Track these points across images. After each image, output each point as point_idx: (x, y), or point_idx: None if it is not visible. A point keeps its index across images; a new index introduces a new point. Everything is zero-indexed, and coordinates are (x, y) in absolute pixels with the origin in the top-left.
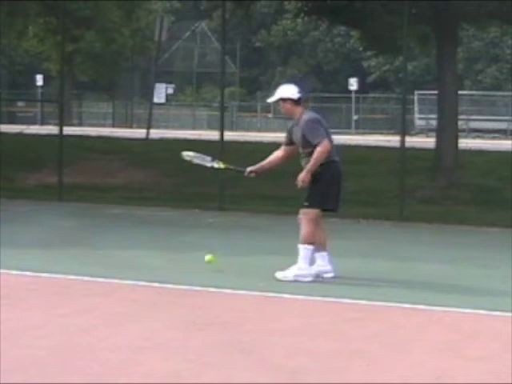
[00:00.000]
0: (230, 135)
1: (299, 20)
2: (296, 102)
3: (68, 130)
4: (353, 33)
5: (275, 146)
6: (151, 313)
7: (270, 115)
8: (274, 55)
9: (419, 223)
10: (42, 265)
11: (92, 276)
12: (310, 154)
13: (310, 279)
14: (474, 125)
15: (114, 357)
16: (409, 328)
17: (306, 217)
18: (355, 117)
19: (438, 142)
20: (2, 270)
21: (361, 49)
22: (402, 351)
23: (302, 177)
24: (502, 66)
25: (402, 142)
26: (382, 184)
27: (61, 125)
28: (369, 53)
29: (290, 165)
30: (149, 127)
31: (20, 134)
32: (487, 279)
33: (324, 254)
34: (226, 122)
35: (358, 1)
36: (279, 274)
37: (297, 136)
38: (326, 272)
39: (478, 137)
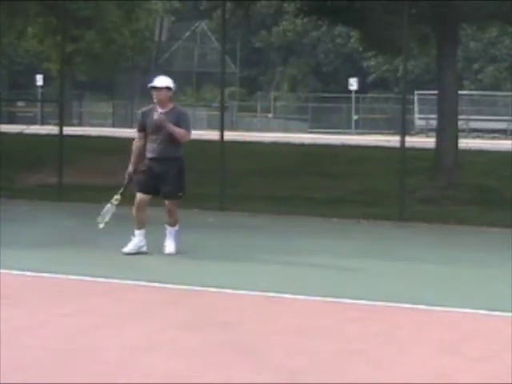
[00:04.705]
0: (229, 135)
1: (298, 21)
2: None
3: (68, 130)
4: (352, 33)
5: (275, 145)
6: (151, 313)
7: (269, 115)
8: (274, 55)
9: (419, 223)
10: (42, 265)
11: (92, 276)
12: (169, 137)
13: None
14: (474, 125)
15: (114, 357)
16: (409, 328)
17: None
18: (355, 117)
19: (438, 142)
20: (2, 270)
21: (361, 49)
22: (402, 351)
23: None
24: (501, 66)
25: (402, 142)
26: (382, 184)
27: (61, 125)
28: (369, 53)
29: (291, 165)
30: None
31: (20, 134)
32: (487, 279)
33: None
34: (226, 121)
35: (358, 1)
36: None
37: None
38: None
39: (478, 137)
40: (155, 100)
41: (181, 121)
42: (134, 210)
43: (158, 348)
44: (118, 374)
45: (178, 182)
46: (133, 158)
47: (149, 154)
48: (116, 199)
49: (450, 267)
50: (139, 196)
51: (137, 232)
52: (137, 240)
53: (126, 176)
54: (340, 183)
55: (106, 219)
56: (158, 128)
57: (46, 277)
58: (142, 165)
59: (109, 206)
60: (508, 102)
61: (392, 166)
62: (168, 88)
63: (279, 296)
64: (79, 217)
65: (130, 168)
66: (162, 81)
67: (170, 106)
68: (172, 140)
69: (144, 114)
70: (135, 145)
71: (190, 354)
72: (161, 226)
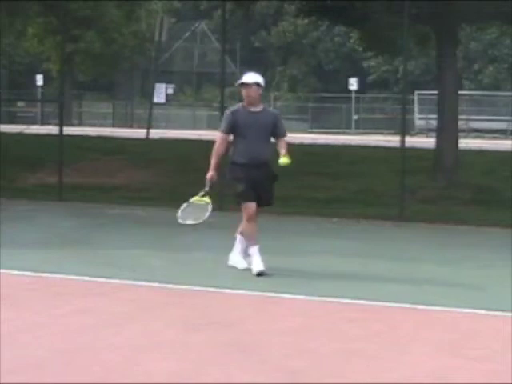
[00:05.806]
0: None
1: (299, 21)
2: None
3: (68, 130)
4: (352, 33)
5: (274, 145)
6: (151, 313)
7: None
8: (273, 55)
9: (419, 223)
10: (41, 265)
11: (92, 276)
12: (266, 138)
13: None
14: (474, 125)
15: (114, 357)
16: (409, 328)
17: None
18: (355, 117)
19: (438, 142)
20: (2, 270)
21: (361, 49)
22: (402, 351)
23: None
24: (501, 66)
25: (402, 142)
26: (382, 184)
27: (61, 125)
28: (369, 53)
29: (291, 165)
30: (149, 127)
31: (20, 134)
32: (487, 279)
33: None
34: None
35: (358, 1)
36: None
37: (259, 123)
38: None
39: (478, 137)
40: (245, 99)
41: (278, 123)
42: (246, 224)
43: (158, 348)
44: (118, 374)
45: (273, 186)
46: (216, 163)
47: (242, 159)
48: (200, 199)
49: (450, 267)
50: (250, 205)
51: (254, 249)
52: (257, 256)
53: (208, 182)
54: (340, 183)
55: (201, 220)
56: (259, 128)
57: (46, 277)
58: (233, 171)
59: (187, 206)
60: (508, 102)
61: (392, 165)
62: (258, 84)
63: (279, 296)
64: (79, 217)
65: (213, 173)
66: (252, 76)
67: (261, 105)
68: (267, 140)
69: (235, 113)
70: (220, 148)
71: (190, 354)
72: (159, 225)
